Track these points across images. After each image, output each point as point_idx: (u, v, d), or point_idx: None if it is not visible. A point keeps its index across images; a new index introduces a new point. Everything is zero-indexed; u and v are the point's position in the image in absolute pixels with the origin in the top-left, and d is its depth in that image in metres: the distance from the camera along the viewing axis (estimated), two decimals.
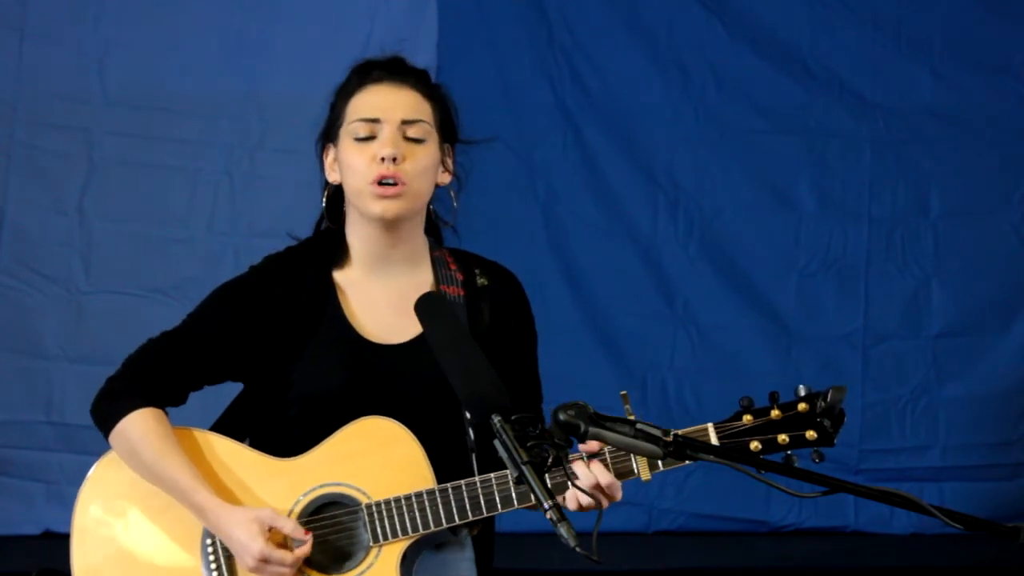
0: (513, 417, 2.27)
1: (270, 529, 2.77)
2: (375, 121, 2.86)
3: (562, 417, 2.25)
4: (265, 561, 2.74)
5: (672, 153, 5.78)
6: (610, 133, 5.76)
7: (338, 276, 2.93)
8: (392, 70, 2.93)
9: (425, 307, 2.57)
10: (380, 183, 2.82)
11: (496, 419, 2.27)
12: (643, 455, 2.36)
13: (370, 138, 2.86)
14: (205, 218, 5.59)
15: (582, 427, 2.25)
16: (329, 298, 2.90)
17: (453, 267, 2.97)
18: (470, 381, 2.36)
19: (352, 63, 2.98)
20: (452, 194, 2.97)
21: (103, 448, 2.91)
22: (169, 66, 5.58)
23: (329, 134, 2.95)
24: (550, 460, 2.25)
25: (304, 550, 2.77)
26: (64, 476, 5.45)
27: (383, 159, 2.82)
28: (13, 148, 5.55)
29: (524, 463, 2.22)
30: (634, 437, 2.26)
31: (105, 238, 5.55)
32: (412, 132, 2.87)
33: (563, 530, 2.16)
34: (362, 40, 5.45)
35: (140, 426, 2.82)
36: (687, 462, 2.53)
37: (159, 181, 5.58)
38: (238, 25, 5.60)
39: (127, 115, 5.56)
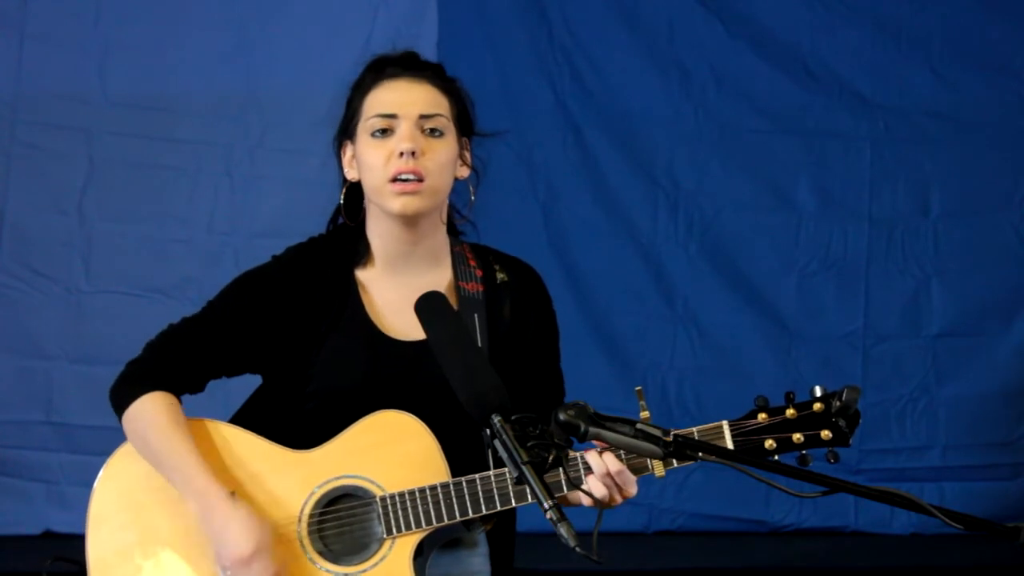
0: (513, 417, 2.27)
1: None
2: (392, 116, 2.85)
3: (562, 417, 2.25)
4: (248, 562, 2.74)
5: (672, 153, 5.79)
6: (610, 133, 5.77)
7: (360, 273, 2.93)
8: (408, 65, 2.91)
9: (425, 307, 2.57)
10: (398, 179, 2.81)
11: (496, 419, 2.27)
12: (643, 455, 2.36)
13: (388, 134, 2.85)
14: (205, 218, 5.59)
15: (582, 427, 2.25)
16: (350, 293, 2.90)
17: (472, 263, 2.96)
18: (470, 381, 2.36)
19: (355, 62, 2.97)
20: (471, 188, 2.97)
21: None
22: (169, 66, 5.59)
23: (346, 131, 2.93)
24: (550, 460, 2.25)
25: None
26: (64, 476, 5.45)
27: (401, 154, 2.81)
28: (13, 148, 5.55)
29: (524, 463, 2.22)
30: (634, 437, 2.26)
31: (105, 238, 5.56)
32: (430, 125, 2.85)
33: (563, 530, 2.16)
34: (362, 40, 5.46)
35: (150, 409, 2.83)
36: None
37: (159, 181, 5.59)
38: (238, 25, 5.60)
39: (127, 115, 5.57)
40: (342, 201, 2.95)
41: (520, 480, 2.22)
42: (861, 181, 5.80)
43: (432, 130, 2.85)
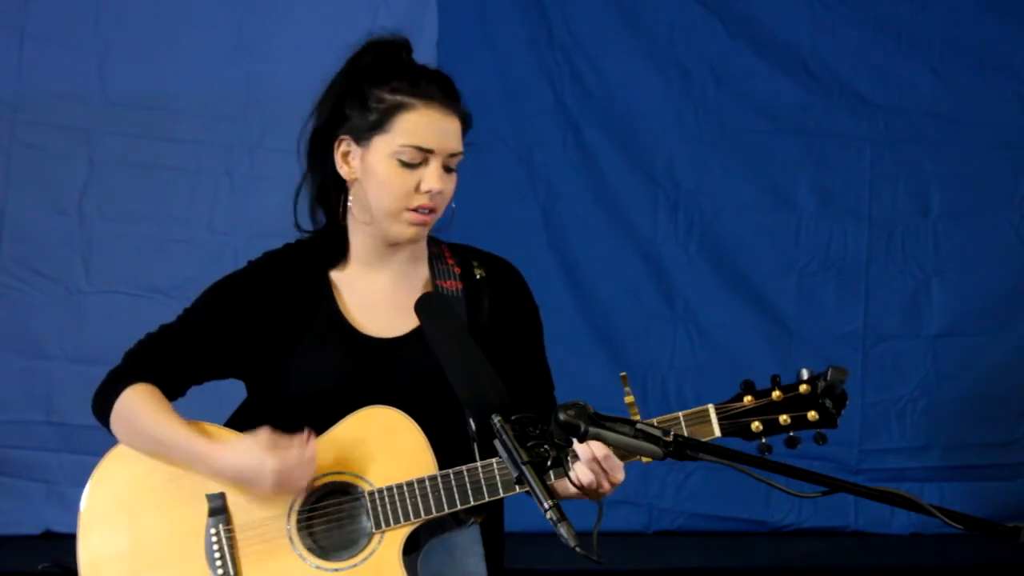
0: (513, 417, 2.27)
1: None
2: (429, 151, 2.81)
3: (562, 417, 2.25)
4: (283, 472, 2.74)
5: (672, 153, 5.78)
6: (610, 133, 5.76)
7: (335, 275, 2.93)
8: (445, 90, 2.85)
9: (425, 307, 2.57)
10: (417, 210, 2.81)
11: (496, 419, 2.27)
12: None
13: (415, 165, 2.81)
14: (205, 218, 5.59)
15: (582, 427, 2.25)
16: (324, 294, 2.90)
17: (450, 261, 2.96)
18: (470, 381, 2.36)
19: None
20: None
21: (103, 448, 2.91)
22: (169, 66, 5.58)
23: (356, 131, 2.87)
24: (550, 460, 2.25)
25: (313, 448, 2.76)
26: (64, 476, 5.45)
27: (428, 192, 2.80)
28: (13, 148, 5.55)
29: (524, 463, 2.22)
30: (634, 437, 2.26)
31: (105, 238, 5.55)
32: (452, 163, 2.85)
33: (563, 530, 2.16)
34: (362, 40, 5.44)
35: (134, 400, 2.83)
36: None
37: (159, 181, 5.59)
38: (238, 25, 5.60)
39: (127, 115, 5.56)
40: (341, 200, 2.92)
41: (520, 480, 2.22)
42: (861, 181, 5.80)
43: (452, 168, 2.84)
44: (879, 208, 5.79)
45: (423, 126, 2.82)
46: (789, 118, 5.79)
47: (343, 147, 2.89)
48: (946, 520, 2.21)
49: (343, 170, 2.90)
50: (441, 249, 2.98)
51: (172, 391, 2.90)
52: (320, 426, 2.82)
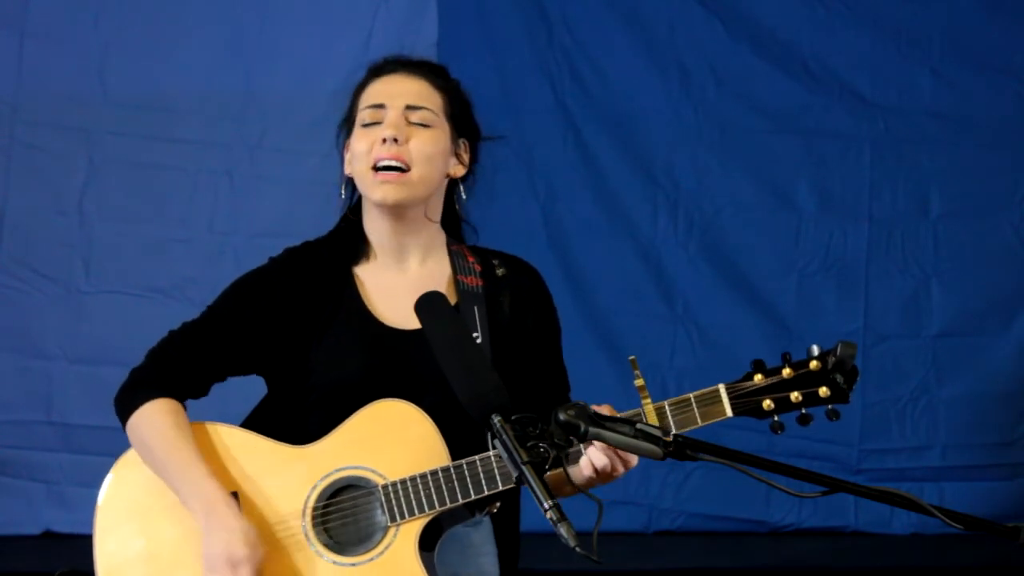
0: (513, 417, 2.27)
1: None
2: (380, 107, 2.89)
3: (562, 417, 2.26)
4: (236, 566, 2.73)
5: (672, 153, 5.78)
6: (610, 133, 5.76)
7: (358, 269, 2.95)
8: (405, 62, 2.96)
9: (425, 307, 2.57)
10: (380, 167, 2.84)
11: (496, 419, 2.27)
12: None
13: (376, 125, 2.88)
14: (205, 218, 5.59)
15: (582, 427, 2.25)
16: (347, 287, 2.92)
17: (471, 259, 2.98)
18: (470, 381, 2.36)
19: (355, 62, 3.01)
20: (461, 187, 2.99)
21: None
22: (169, 66, 5.59)
23: (347, 129, 2.97)
24: (550, 460, 2.25)
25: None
26: (64, 476, 5.45)
27: (384, 140, 2.84)
28: (13, 148, 5.55)
29: (524, 463, 2.22)
30: (634, 437, 2.26)
31: (105, 238, 5.56)
32: (416, 117, 2.88)
33: (563, 530, 2.16)
34: (362, 40, 5.46)
35: (153, 416, 2.84)
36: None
37: (159, 181, 5.59)
38: (238, 25, 5.60)
39: (127, 115, 5.57)
40: (342, 195, 2.97)
41: (520, 480, 2.22)
42: (861, 181, 5.80)
43: (419, 122, 2.88)
44: (879, 208, 5.79)
45: (377, 88, 2.93)
46: (789, 118, 5.80)
47: (347, 150, 2.97)
48: (946, 520, 2.21)
49: (348, 169, 2.96)
50: (461, 248, 3.00)
51: (195, 390, 2.91)
52: (340, 416, 2.83)
